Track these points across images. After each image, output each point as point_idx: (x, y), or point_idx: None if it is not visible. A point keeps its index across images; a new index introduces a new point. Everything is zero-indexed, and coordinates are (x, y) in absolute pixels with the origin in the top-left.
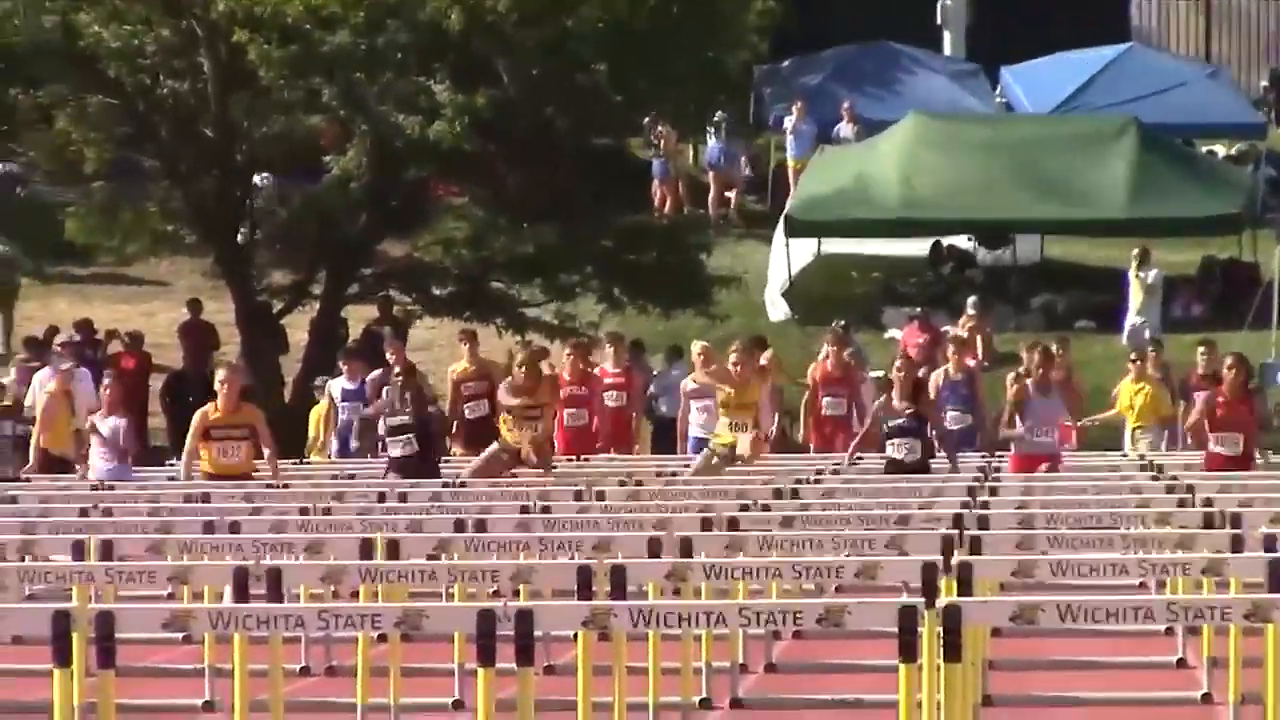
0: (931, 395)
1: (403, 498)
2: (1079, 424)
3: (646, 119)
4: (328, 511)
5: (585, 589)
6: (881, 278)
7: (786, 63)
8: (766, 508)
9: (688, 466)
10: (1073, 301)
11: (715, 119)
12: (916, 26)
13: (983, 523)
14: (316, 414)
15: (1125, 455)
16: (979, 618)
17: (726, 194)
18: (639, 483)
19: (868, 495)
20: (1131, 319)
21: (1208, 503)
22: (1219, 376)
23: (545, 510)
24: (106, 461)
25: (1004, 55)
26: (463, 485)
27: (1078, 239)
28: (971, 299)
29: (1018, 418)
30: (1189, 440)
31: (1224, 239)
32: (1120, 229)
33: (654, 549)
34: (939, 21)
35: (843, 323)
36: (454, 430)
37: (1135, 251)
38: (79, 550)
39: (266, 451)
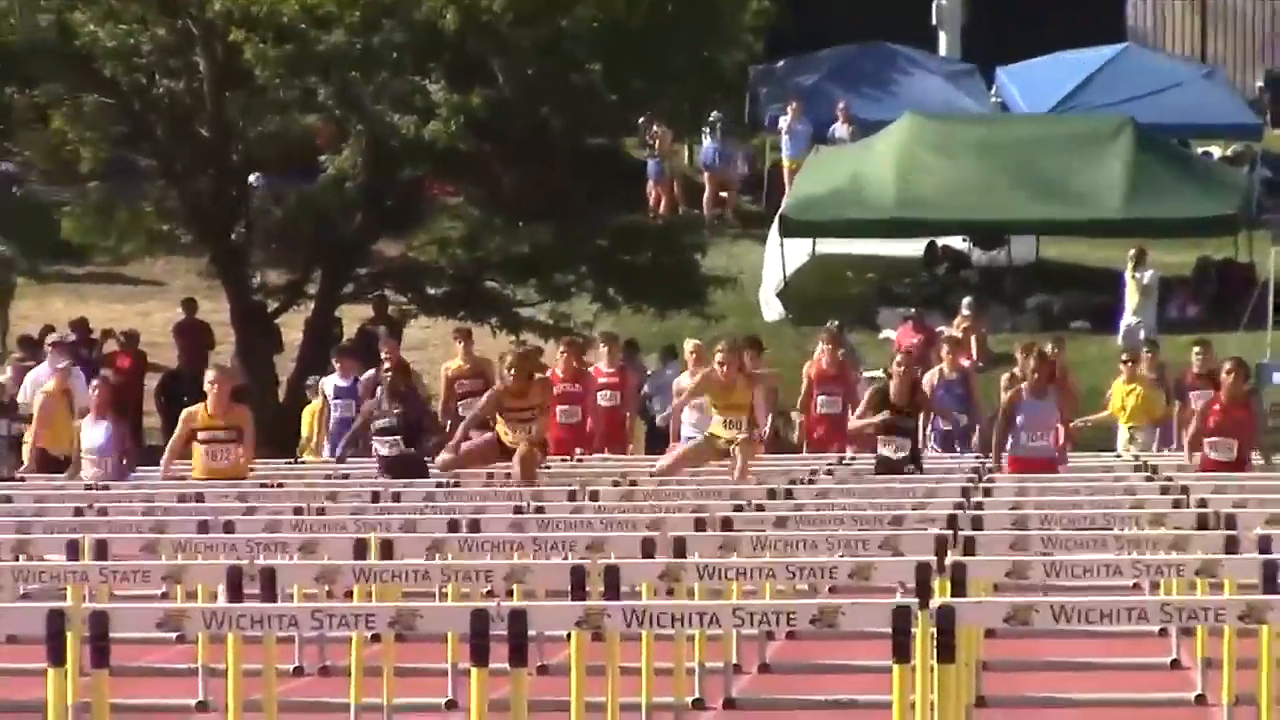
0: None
1: (396, 497)
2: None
3: (641, 119)
4: (321, 511)
5: (579, 589)
6: (876, 278)
7: (782, 63)
8: (760, 508)
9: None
10: (1068, 302)
11: (710, 119)
12: (912, 27)
13: (977, 523)
14: (309, 413)
15: (1119, 456)
16: (973, 618)
17: (721, 194)
18: (633, 483)
19: (861, 496)
20: (1127, 319)
21: (1202, 504)
22: (1215, 376)
23: (539, 510)
24: (95, 467)
25: (1000, 55)
26: (456, 485)
27: (1073, 239)
28: (966, 299)
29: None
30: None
31: (1220, 240)
32: (1116, 229)
33: (648, 549)
34: (934, 22)
35: (837, 323)
36: (447, 428)
37: (1131, 252)
38: (74, 550)
39: (244, 455)
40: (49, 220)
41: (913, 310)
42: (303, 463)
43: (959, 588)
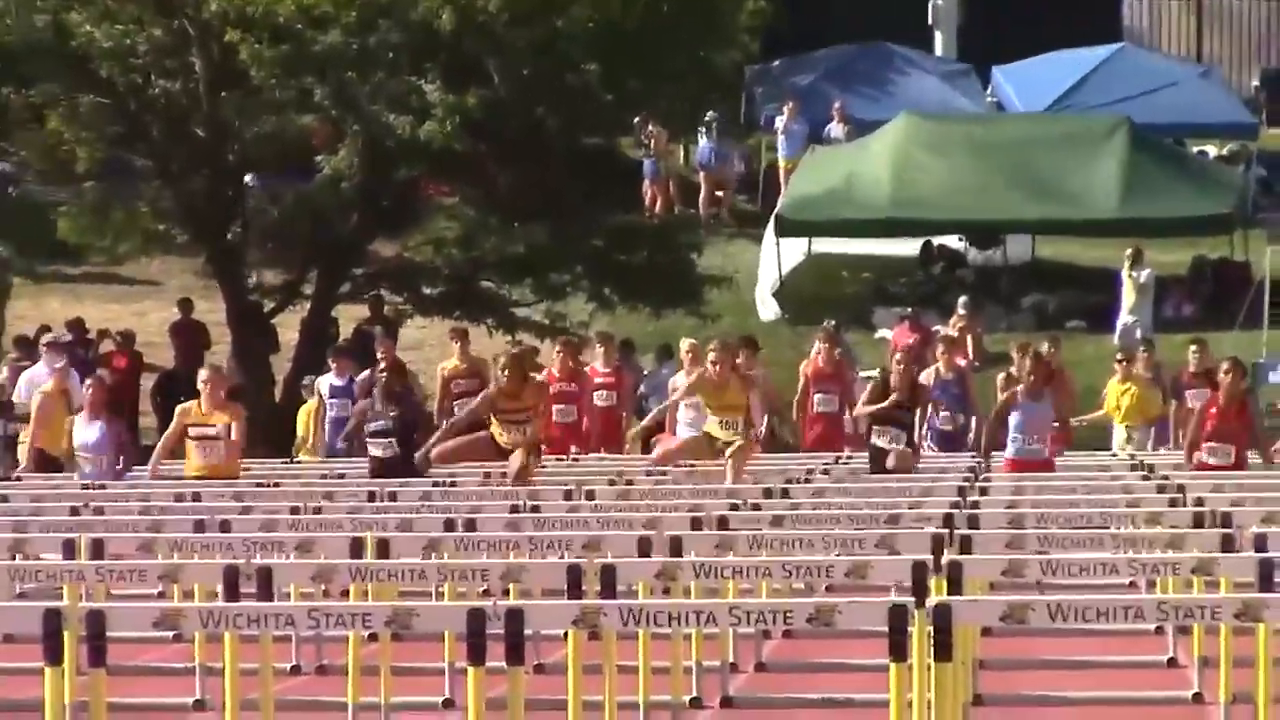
0: None
1: (393, 497)
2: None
3: (637, 119)
4: (318, 510)
5: (575, 588)
6: (872, 278)
7: (777, 63)
8: (757, 507)
9: (678, 465)
10: (1064, 301)
11: (706, 119)
12: (908, 27)
13: (973, 522)
14: (305, 413)
15: (1115, 455)
16: (969, 617)
17: (717, 193)
18: (629, 482)
19: (858, 494)
20: (1123, 319)
21: (1198, 502)
22: (1211, 375)
23: (535, 509)
24: (90, 465)
25: (995, 55)
26: (453, 484)
27: (1068, 239)
28: (962, 299)
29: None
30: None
31: (1215, 239)
32: (1111, 229)
33: (644, 548)
34: (930, 22)
35: (834, 322)
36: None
37: (1128, 251)
38: (70, 549)
39: (230, 449)
40: (45, 220)
41: (908, 310)
42: (298, 462)
43: (955, 586)
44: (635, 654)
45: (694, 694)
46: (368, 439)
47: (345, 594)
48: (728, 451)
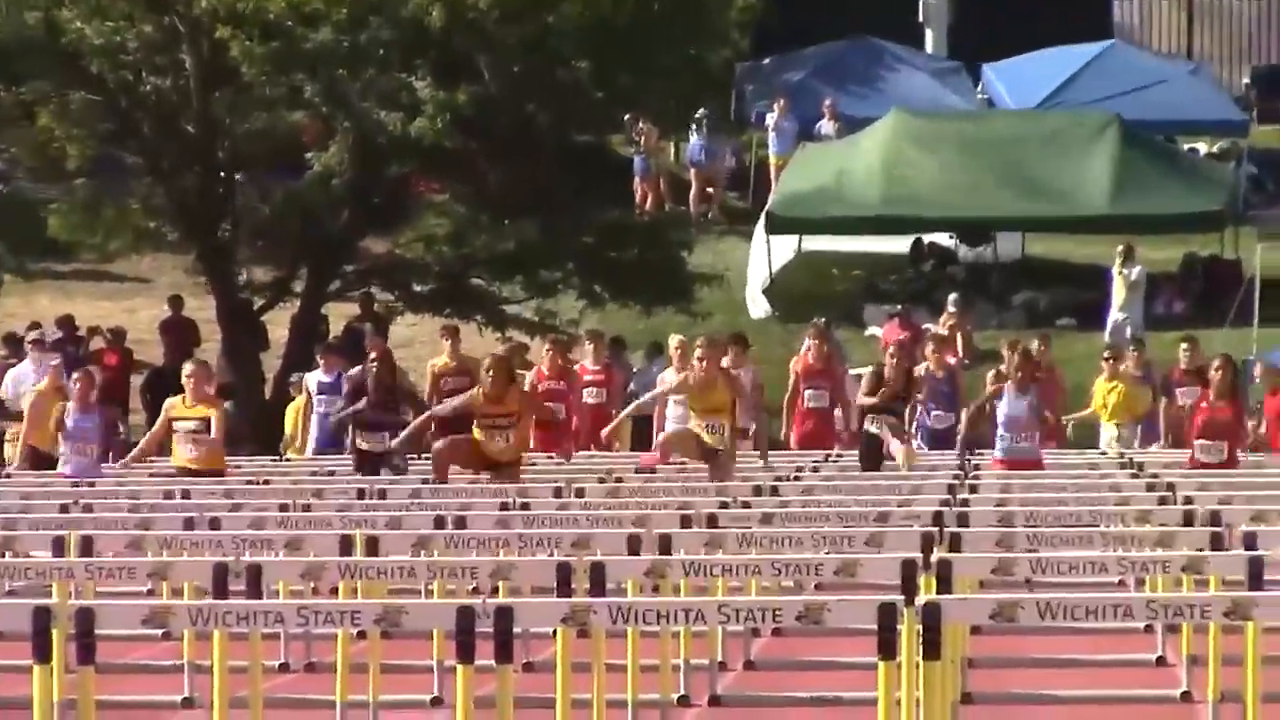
0: None
1: (382, 494)
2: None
3: (627, 116)
4: (307, 508)
5: (564, 586)
6: (862, 275)
7: (768, 59)
8: (746, 505)
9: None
10: (1054, 299)
11: (697, 116)
12: (898, 24)
13: (962, 520)
14: (293, 410)
15: (1105, 453)
16: (958, 615)
17: (708, 190)
18: (618, 480)
19: (847, 493)
20: (1114, 316)
21: (1188, 501)
22: (1203, 373)
23: (524, 507)
24: (78, 456)
25: (986, 52)
26: (442, 482)
27: (1059, 236)
28: (953, 296)
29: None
30: (1168, 438)
31: (1206, 236)
32: (1102, 226)
33: (633, 546)
34: (921, 19)
35: (824, 319)
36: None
37: (1120, 249)
38: (59, 546)
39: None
40: (35, 217)
41: (899, 307)
42: (287, 460)
43: (944, 584)
44: (624, 652)
45: (682, 692)
46: (359, 431)
47: (334, 591)
48: (711, 463)
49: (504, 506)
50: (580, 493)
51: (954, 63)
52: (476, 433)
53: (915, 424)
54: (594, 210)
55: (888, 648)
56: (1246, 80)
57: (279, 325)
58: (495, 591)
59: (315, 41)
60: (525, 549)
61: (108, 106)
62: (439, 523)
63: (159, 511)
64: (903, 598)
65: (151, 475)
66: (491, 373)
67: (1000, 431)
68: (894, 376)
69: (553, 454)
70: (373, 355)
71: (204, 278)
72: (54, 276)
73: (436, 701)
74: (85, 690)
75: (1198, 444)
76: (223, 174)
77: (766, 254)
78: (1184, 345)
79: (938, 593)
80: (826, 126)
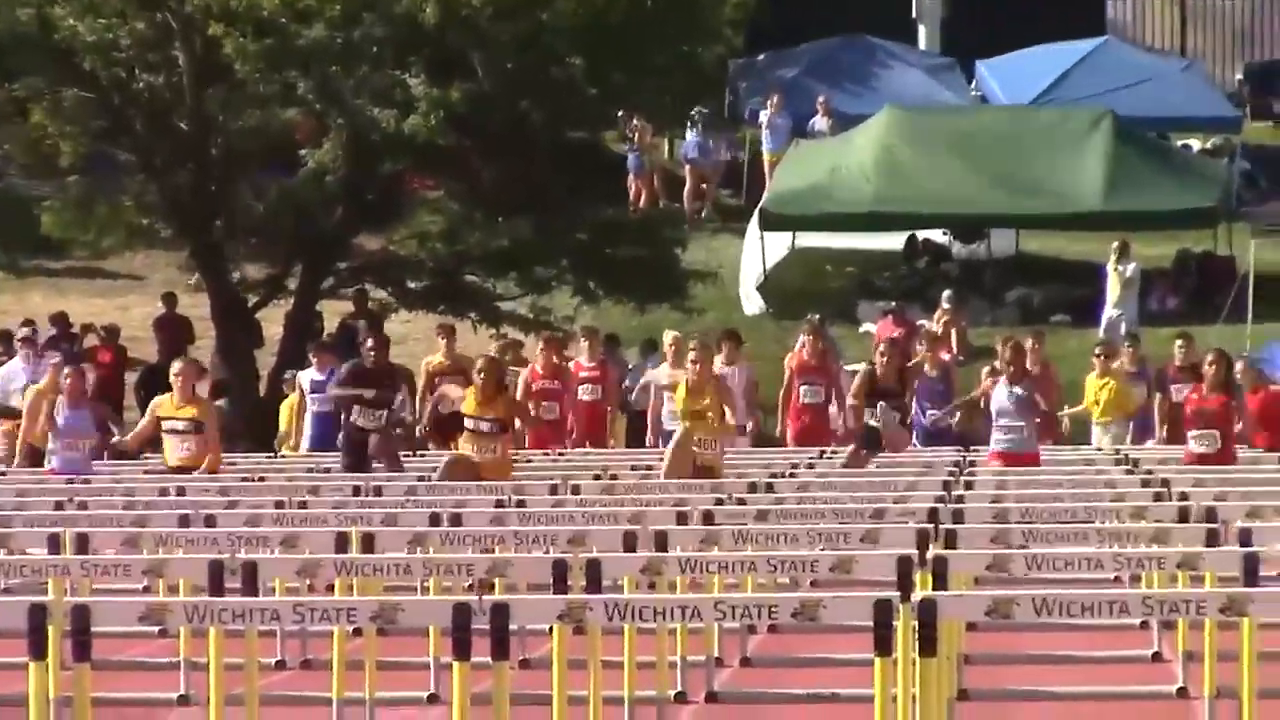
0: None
1: (378, 491)
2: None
3: (621, 113)
4: (303, 505)
5: (560, 583)
6: (856, 271)
7: (762, 56)
8: (742, 501)
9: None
10: (1048, 295)
11: (693, 113)
12: (892, 21)
13: (958, 517)
14: (287, 407)
15: (1100, 450)
16: (954, 612)
17: (702, 187)
18: (614, 476)
19: (843, 489)
20: (1109, 312)
21: (1183, 497)
22: (1198, 370)
23: (520, 504)
24: (68, 451)
25: (979, 49)
26: (437, 479)
27: (1053, 233)
28: (946, 293)
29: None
30: (1163, 433)
31: (1199, 232)
32: (1095, 222)
33: (629, 543)
34: (914, 15)
35: (818, 316)
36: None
37: (1114, 245)
38: (54, 543)
39: (210, 451)
40: (28, 214)
41: (893, 304)
42: (282, 457)
43: (940, 581)
44: (620, 649)
45: (679, 689)
46: (358, 407)
47: (330, 589)
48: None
49: (500, 504)
50: (576, 489)
51: (947, 59)
52: (464, 444)
53: (910, 420)
54: (588, 207)
55: (884, 644)
56: (1239, 77)
57: (273, 322)
58: (491, 588)
59: (308, 38)
60: (521, 546)
61: (100, 103)
62: (435, 520)
63: (154, 509)
64: (898, 594)
65: (146, 473)
66: (483, 373)
67: (995, 425)
68: (885, 373)
69: (549, 450)
70: (370, 344)
71: (197, 275)
72: (47, 274)
73: (433, 698)
74: (81, 687)
75: (1190, 435)
76: (216, 171)
77: (760, 251)
78: (1179, 342)
79: (933, 589)
80: (820, 123)
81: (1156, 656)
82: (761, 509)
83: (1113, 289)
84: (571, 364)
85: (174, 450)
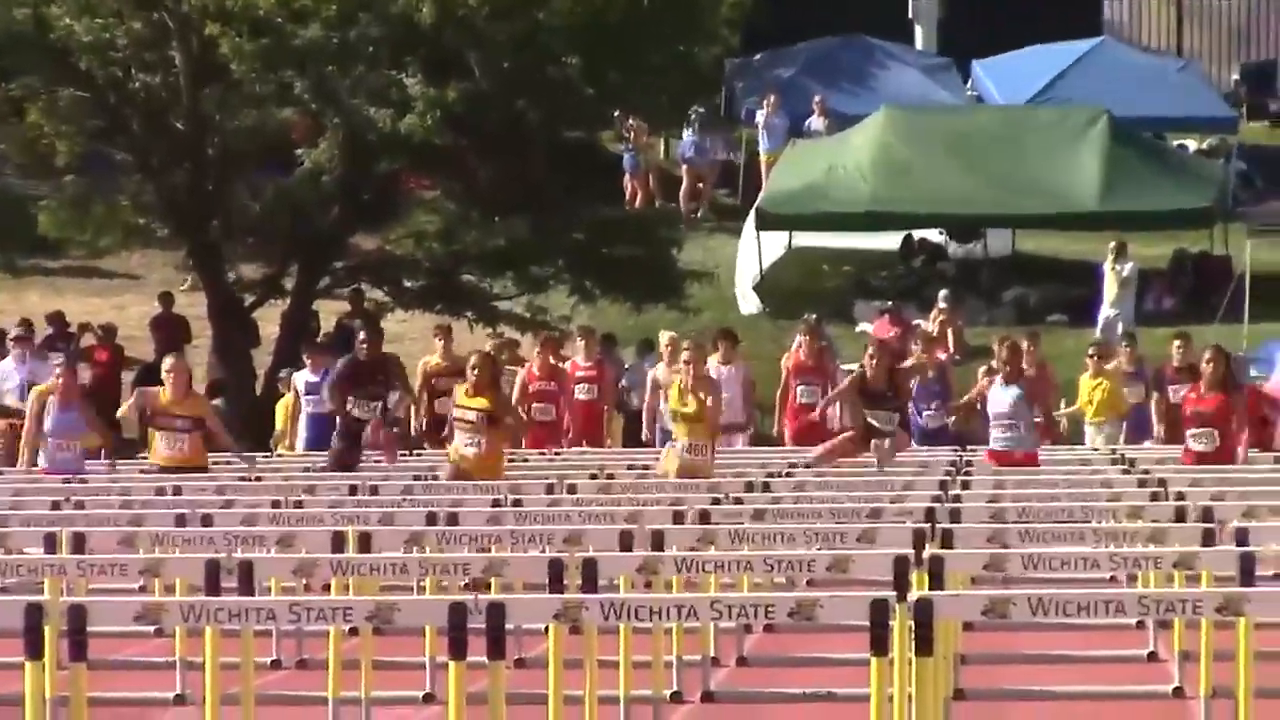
0: None
1: (374, 490)
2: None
3: (617, 112)
4: (299, 504)
5: (556, 582)
6: (852, 271)
7: (758, 56)
8: (738, 501)
9: (658, 458)
10: (1045, 295)
11: (689, 112)
12: (888, 21)
13: (954, 516)
14: (282, 407)
15: (1096, 449)
16: (950, 611)
17: (699, 187)
18: (610, 476)
19: (839, 489)
20: (1106, 312)
21: (1180, 496)
22: (1195, 370)
23: (516, 504)
24: (60, 451)
25: (976, 49)
26: (434, 478)
27: (1049, 232)
28: (943, 292)
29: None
30: (1161, 433)
31: (1195, 232)
32: (1091, 222)
33: (625, 542)
34: (911, 15)
35: (814, 315)
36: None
37: (1112, 245)
38: (51, 543)
39: (224, 442)
40: (25, 214)
41: (889, 303)
42: (278, 456)
43: (937, 581)
44: (616, 648)
45: (675, 688)
46: (353, 398)
47: (326, 588)
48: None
49: (496, 503)
50: (572, 489)
51: (944, 59)
52: (454, 449)
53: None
54: (584, 207)
55: (880, 644)
56: (1236, 77)
57: (270, 322)
58: (487, 587)
59: (305, 38)
60: (517, 545)
61: (97, 103)
62: (431, 519)
63: (150, 508)
64: (895, 594)
65: (142, 471)
66: (476, 368)
67: (991, 424)
68: (874, 376)
69: (545, 450)
70: (363, 338)
71: (194, 274)
72: (43, 273)
73: (429, 698)
74: (77, 687)
75: (1188, 434)
76: (212, 170)
77: (757, 250)
78: (1177, 342)
79: (930, 589)
80: (817, 123)
81: (1152, 656)
82: (758, 508)
83: (1110, 289)
84: (568, 363)
85: (166, 448)
